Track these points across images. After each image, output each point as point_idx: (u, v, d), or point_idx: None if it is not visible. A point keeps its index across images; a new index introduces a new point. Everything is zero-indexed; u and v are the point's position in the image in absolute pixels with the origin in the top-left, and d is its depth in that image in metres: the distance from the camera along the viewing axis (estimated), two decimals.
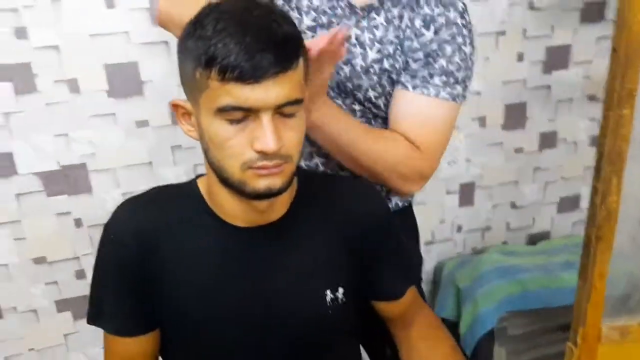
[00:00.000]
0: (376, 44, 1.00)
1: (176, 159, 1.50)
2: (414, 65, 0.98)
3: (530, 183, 1.91)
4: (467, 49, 0.99)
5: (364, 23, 1.00)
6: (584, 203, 1.99)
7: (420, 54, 0.97)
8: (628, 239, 0.73)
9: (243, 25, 0.68)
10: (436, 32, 0.97)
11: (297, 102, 0.72)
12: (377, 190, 0.93)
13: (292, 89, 0.71)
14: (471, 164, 1.81)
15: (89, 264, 1.50)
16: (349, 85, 1.01)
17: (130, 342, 0.86)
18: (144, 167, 1.48)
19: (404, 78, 0.99)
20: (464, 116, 1.73)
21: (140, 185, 1.47)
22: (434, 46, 0.97)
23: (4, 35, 1.28)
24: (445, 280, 1.80)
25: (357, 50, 1.00)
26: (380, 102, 1.03)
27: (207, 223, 0.83)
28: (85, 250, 1.52)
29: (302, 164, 1.08)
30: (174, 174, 1.51)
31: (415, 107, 0.98)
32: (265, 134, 0.69)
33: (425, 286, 1.92)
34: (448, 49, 0.97)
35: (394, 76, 1.00)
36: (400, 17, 0.99)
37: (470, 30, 1.01)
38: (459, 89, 0.99)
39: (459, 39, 0.97)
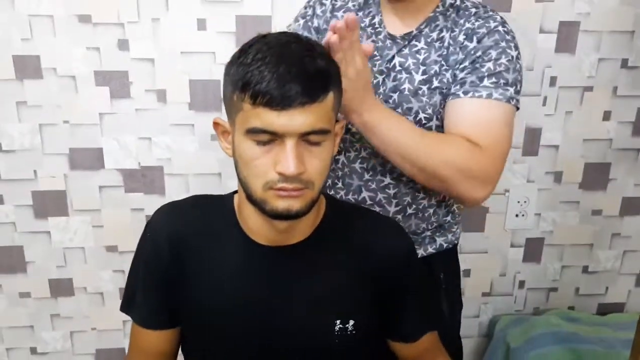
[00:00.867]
0: (421, 66, 1.02)
1: None
2: (461, 75, 0.99)
3: (606, 249, 1.78)
4: (513, 52, 0.99)
5: (406, 50, 1.03)
6: None
7: (467, 63, 0.99)
8: None
9: (279, 57, 0.74)
10: (479, 41, 0.99)
11: (323, 132, 0.76)
12: (402, 229, 0.94)
13: (318, 119, 0.75)
14: (541, 219, 1.73)
15: None
16: (399, 110, 1.03)
17: (152, 335, 0.93)
18: (214, 177, 1.58)
19: (454, 89, 1.00)
20: (538, 168, 1.67)
21: (208, 193, 1.56)
22: (479, 52, 0.98)
23: (110, 46, 1.44)
24: (497, 336, 1.72)
25: (403, 75, 1.03)
26: (432, 124, 1.03)
27: (234, 236, 0.89)
28: None
29: (351, 197, 1.11)
30: None
31: (468, 111, 0.97)
32: (287, 158, 0.74)
33: (476, 339, 1.85)
34: (493, 53, 0.98)
35: (444, 91, 1.01)
36: (441, 39, 1.01)
37: (513, 37, 1.02)
38: (511, 90, 0.98)
39: (503, 44, 0.99)
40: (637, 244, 1.78)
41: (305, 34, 1.09)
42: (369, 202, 1.10)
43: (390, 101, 1.04)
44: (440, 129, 1.03)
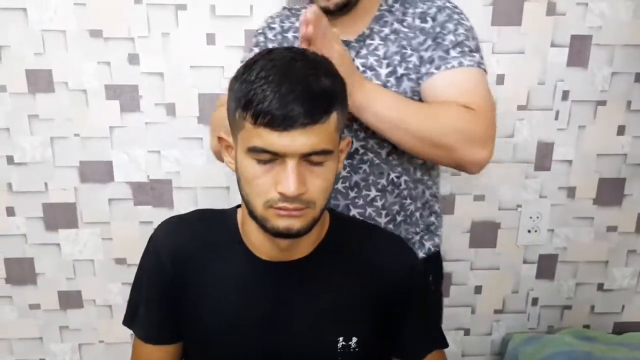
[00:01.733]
0: (383, 61, 1.04)
1: None
2: (427, 54, 1.02)
3: (622, 266, 1.74)
4: (467, 23, 1.05)
5: (364, 51, 1.06)
6: None
7: (429, 42, 1.02)
8: None
9: (283, 75, 0.73)
10: (434, 19, 1.03)
11: (325, 152, 0.75)
12: (407, 245, 0.92)
13: (320, 140, 0.74)
14: (555, 235, 1.70)
15: None
16: None
17: (153, 350, 0.92)
18: (222, 190, 1.58)
19: (425, 69, 1.02)
20: (550, 183, 1.64)
21: (216, 206, 1.57)
22: (438, 29, 1.02)
23: (120, 60, 1.46)
24: (510, 354, 1.68)
25: (369, 74, 1.04)
26: None
27: (237, 251, 0.88)
28: None
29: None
30: None
31: (448, 82, 0.98)
32: (288, 179, 0.73)
33: (488, 357, 1.82)
34: (450, 26, 1.03)
35: (413, 76, 1.02)
36: (394, 31, 1.05)
37: (461, 10, 1.07)
38: (477, 56, 1.02)
39: (455, 16, 1.04)
40: None
41: None
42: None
43: None
44: None
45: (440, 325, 0.94)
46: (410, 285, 0.90)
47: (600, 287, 1.77)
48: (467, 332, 1.78)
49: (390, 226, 1.12)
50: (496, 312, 1.77)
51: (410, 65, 1.03)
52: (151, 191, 1.58)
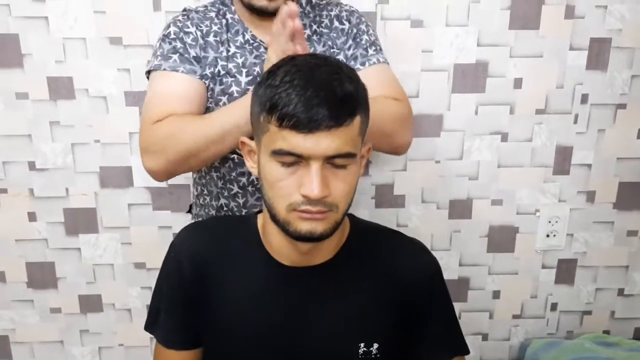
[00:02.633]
0: None
1: None
2: (350, 52, 1.16)
3: None
4: (369, 23, 1.22)
5: None
6: None
7: (350, 41, 1.16)
8: None
9: (307, 80, 0.74)
10: (349, 21, 1.18)
11: (348, 155, 0.76)
12: (428, 251, 0.92)
13: (344, 143, 0.74)
14: (574, 239, 1.68)
15: None
16: None
17: (174, 356, 0.93)
18: None
19: (351, 64, 1.12)
20: (569, 187, 1.63)
21: None
22: (354, 30, 1.17)
23: (140, 67, 1.47)
24: None
25: None
26: None
27: (257, 256, 0.88)
28: None
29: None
30: None
31: (370, 77, 1.05)
32: (312, 181, 0.74)
33: None
34: (362, 27, 1.18)
35: None
36: (315, 32, 1.16)
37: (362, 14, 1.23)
38: (383, 53, 1.19)
39: (363, 19, 1.20)
40: None
41: (187, 66, 1.08)
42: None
43: None
44: None
45: (461, 331, 0.94)
46: (432, 291, 0.90)
47: (620, 292, 1.75)
48: (485, 337, 1.77)
49: None
50: (515, 317, 1.76)
51: None
52: (169, 196, 1.59)
